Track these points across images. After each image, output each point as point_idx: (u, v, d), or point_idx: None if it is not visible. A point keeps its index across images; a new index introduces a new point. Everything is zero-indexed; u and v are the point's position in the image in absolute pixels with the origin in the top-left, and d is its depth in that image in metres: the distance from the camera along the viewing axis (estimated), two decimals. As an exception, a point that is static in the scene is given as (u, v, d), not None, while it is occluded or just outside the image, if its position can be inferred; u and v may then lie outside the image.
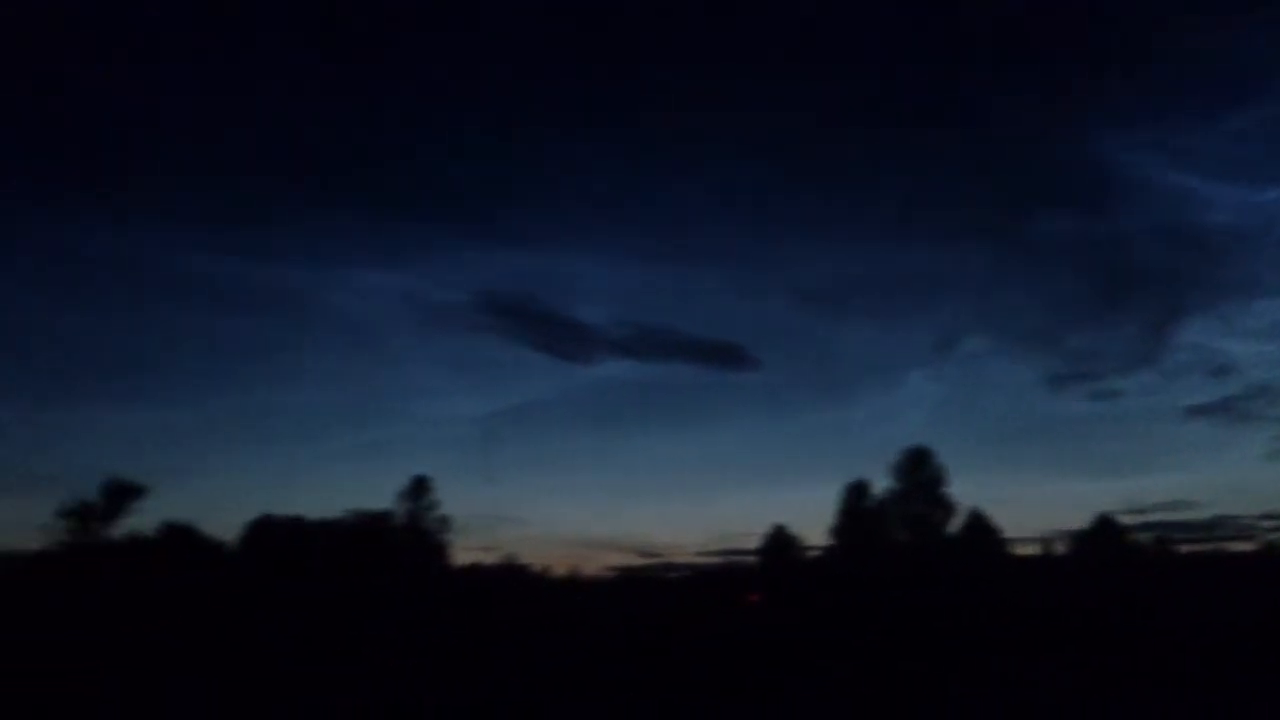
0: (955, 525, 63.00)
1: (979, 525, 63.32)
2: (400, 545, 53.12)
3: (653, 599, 65.85)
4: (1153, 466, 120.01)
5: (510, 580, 60.91)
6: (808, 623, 51.30)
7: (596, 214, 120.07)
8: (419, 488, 57.76)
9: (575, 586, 69.88)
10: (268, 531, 48.82)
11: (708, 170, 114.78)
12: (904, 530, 63.33)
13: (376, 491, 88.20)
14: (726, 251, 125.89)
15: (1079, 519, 76.24)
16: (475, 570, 60.25)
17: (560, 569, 72.63)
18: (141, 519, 44.21)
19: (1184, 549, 73.43)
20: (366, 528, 51.95)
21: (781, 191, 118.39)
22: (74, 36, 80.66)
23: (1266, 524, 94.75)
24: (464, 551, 70.06)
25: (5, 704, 23.20)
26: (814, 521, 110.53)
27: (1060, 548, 67.82)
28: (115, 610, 36.85)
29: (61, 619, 35.59)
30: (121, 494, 43.11)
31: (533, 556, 76.42)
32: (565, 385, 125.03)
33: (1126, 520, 68.17)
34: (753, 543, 70.76)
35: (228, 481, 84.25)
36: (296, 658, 34.41)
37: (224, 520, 75.95)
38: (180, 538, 44.47)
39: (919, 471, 62.88)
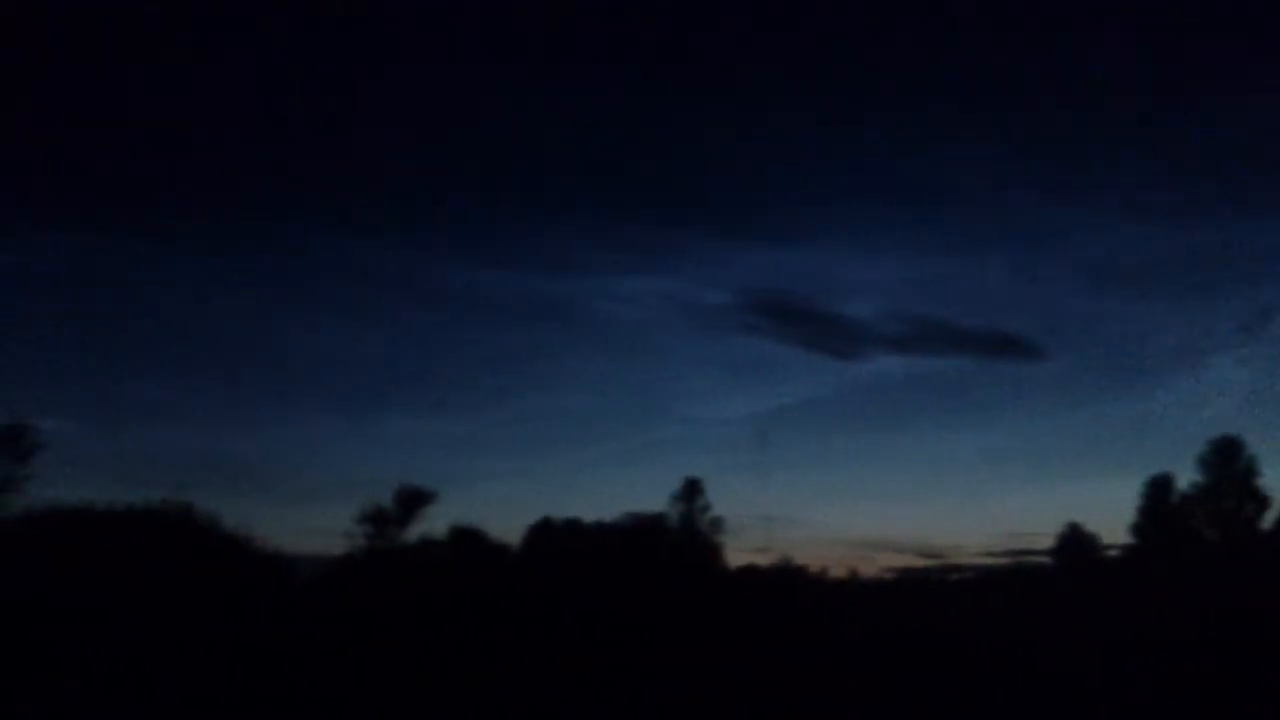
0: (1270, 520, 57.62)
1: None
2: (675, 547, 53.40)
3: (937, 601, 63.49)
4: None
5: (787, 582, 60.14)
6: (1111, 626, 47.93)
7: (861, 203, 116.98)
8: (692, 489, 58.01)
9: (854, 588, 68.34)
10: (548, 534, 50.13)
11: (979, 148, 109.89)
12: (1213, 527, 58.44)
13: (651, 494, 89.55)
14: (1004, 233, 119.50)
15: None
16: (751, 572, 59.91)
17: (838, 570, 71.29)
18: (432, 524, 46.21)
19: None
20: (642, 530, 52.49)
21: (1063, 164, 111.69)
22: (349, 51, 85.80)
23: None
24: (738, 553, 69.83)
25: (312, 703, 24.43)
26: (1112, 519, 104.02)
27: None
28: (417, 610, 38.58)
29: (367, 619, 37.56)
30: (414, 500, 45.15)
31: (808, 558, 75.22)
32: (837, 383, 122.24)
33: None
34: (1044, 543, 67.02)
35: (509, 486, 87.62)
36: (578, 656, 34.98)
37: (508, 523, 79.07)
38: (469, 541, 46.20)
39: (1229, 463, 57.81)
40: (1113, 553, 62.73)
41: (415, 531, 46.71)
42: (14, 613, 32.17)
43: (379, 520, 45.12)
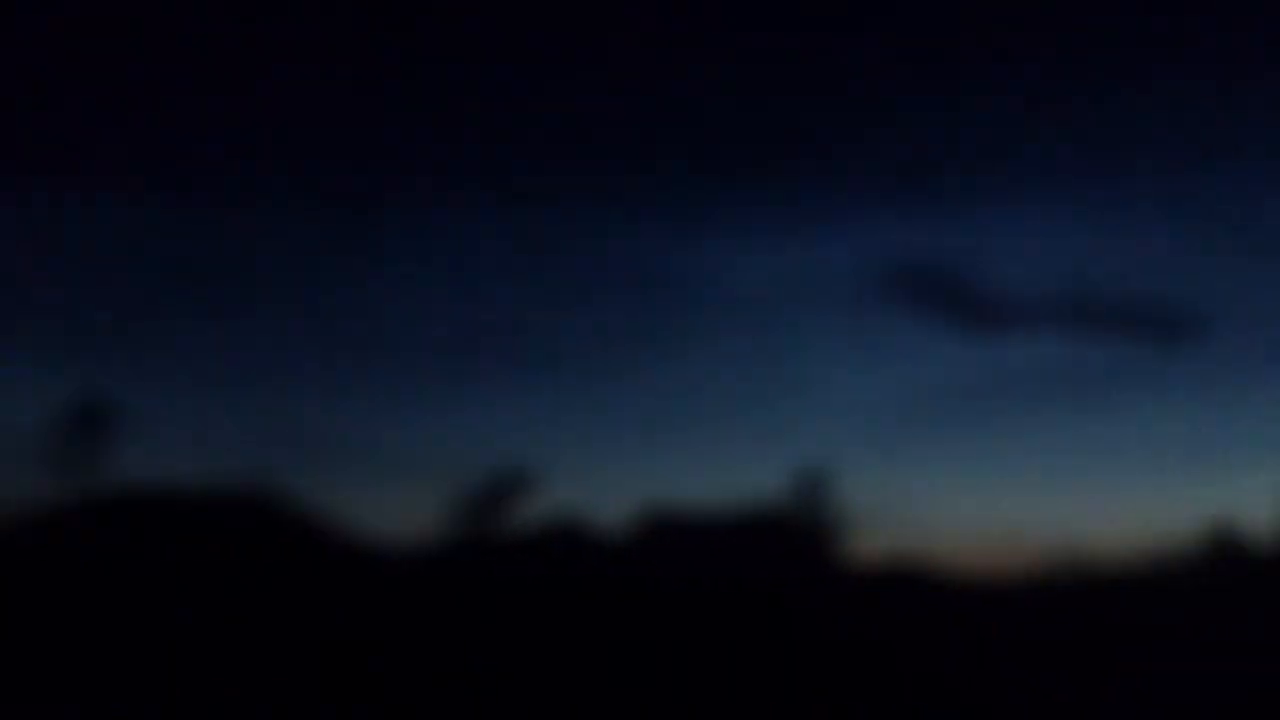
0: None
1: None
2: (793, 540, 50.61)
3: (1088, 608, 58.91)
4: None
5: (912, 581, 56.96)
6: (1258, 640, 43.29)
7: (1017, 162, 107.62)
8: (815, 478, 54.80)
9: (992, 591, 64.34)
10: (656, 524, 48.00)
11: (1154, 96, 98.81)
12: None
13: (769, 483, 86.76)
14: (1178, 200, 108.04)
15: None
16: (873, 570, 56.91)
17: (973, 567, 67.34)
18: (530, 510, 44.09)
19: None
20: (759, 521, 49.88)
21: (1252, 118, 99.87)
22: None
23: None
24: (865, 547, 66.43)
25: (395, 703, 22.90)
26: (1268, 517, 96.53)
27: None
28: (501, 608, 36.97)
29: (449, 615, 36.04)
30: (508, 484, 43.30)
31: (943, 552, 71.17)
32: (985, 362, 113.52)
33: None
34: (1197, 541, 62.00)
35: (614, 472, 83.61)
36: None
37: (611, 512, 75.90)
38: (567, 531, 44.60)
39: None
40: (1266, 555, 57.94)
41: (511, 519, 44.91)
42: (77, 605, 31.25)
43: (470, 506, 43.46)
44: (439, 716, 22.34)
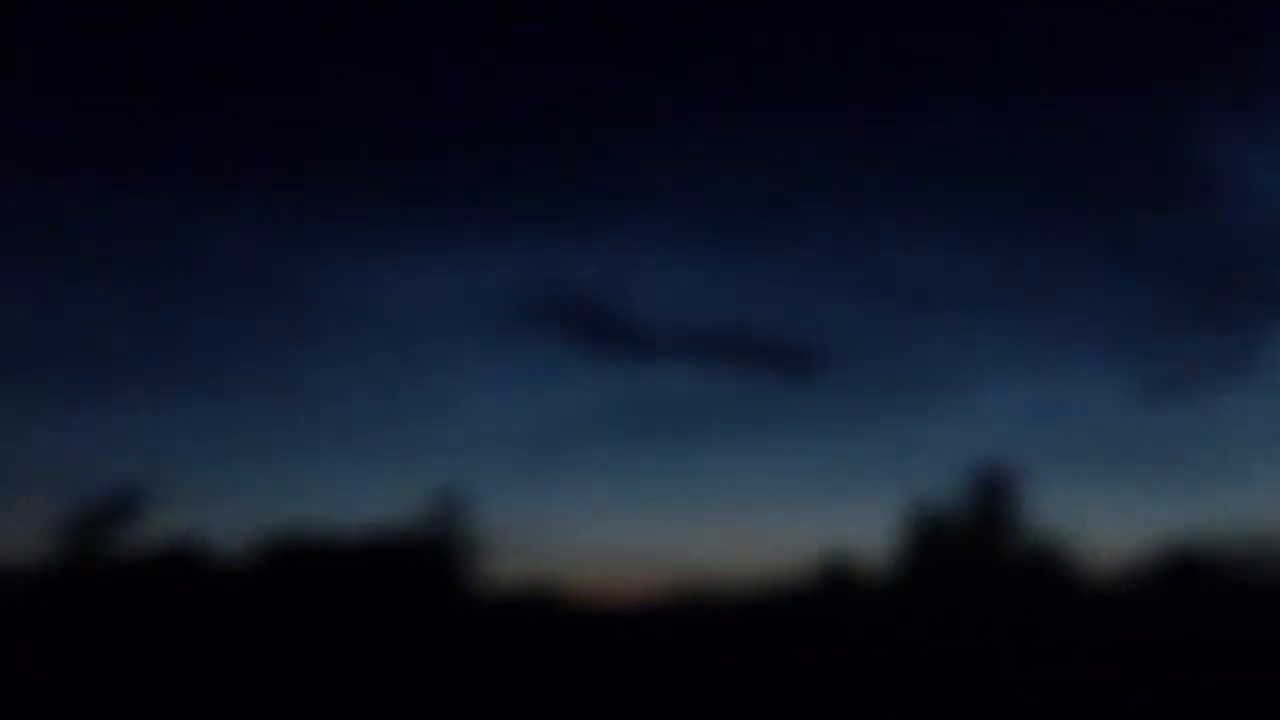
0: (1037, 551, 59.07)
1: (1062, 551, 59.29)
2: (426, 564, 50.30)
3: (705, 636, 61.86)
4: (1257, 486, 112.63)
5: (541, 608, 57.55)
6: (868, 666, 46.37)
7: (661, 198, 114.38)
8: (449, 501, 55.01)
9: (616, 617, 66.24)
10: (279, 550, 46.32)
11: (787, 140, 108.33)
12: (979, 556, 59.53)
13: (400, 507, 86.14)
14: (807, 241, 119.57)
15: (1173, 544, 70.99)
16: (506, 595, 57.15)
17: (603, 593, 69.25)
18: (142, 532, 41.79)
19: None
20: (389, 544, 49.28)
21: (872, 175, 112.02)
22: None
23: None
24: (498, 572, 67.31)
25: None
26: (878, 545, 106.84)
27: (1153, 577, 63.16)
28: (109, 638, 34.29)
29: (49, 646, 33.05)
30: (121, 504, 40.84)
31: (572, 578, 73.03)
32: (619, 390, 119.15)
33: (1225, 546, 63.19)
34: (809, 569, 67.12)
35: (235, 494, 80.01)
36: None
37: (230, 536, 72.06)
38: (183, 555, 42.17)
39: (998, 491, 59.05)
40: (878, 581, 63.04)
41: (122, 541, 42.19)
42: None
43: (77, 527, 40.57)
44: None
